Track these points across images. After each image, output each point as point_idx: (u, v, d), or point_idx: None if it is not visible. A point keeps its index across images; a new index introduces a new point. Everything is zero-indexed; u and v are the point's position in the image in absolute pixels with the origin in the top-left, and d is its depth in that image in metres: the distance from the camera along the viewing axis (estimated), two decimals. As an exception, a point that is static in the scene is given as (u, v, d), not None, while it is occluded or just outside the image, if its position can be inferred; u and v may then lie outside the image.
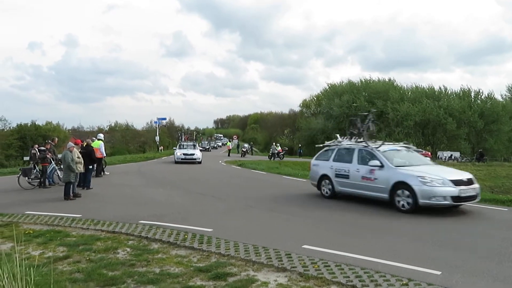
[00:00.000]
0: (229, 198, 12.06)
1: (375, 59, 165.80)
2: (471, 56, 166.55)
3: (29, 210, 9.86)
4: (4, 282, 2.90)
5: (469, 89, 57.99)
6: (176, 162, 28.17)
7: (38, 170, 14.55)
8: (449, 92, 58.65)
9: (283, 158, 39.31)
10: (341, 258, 5.90)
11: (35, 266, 4.86)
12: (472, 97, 57.45)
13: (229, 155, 46.26)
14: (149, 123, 67.72)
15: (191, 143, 34.18)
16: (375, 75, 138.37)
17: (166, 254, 6.35)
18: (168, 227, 7.93)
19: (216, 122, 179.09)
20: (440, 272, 5.26)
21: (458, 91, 58.40)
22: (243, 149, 49.54)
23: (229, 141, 71.51)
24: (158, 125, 55.76)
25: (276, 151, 39.70)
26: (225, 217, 9.18)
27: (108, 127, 68.29)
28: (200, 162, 28.43)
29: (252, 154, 53.10)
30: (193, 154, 28.84)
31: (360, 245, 6.60)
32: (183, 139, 38.45)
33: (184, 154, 28.74)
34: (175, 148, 33.97)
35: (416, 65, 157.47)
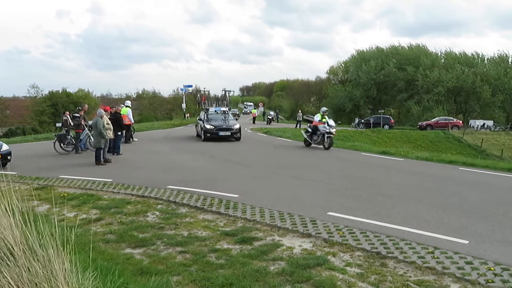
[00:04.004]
0: (255, 165, 12.16)
1: (405, 23, 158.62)
2: (509, 19, 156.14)
3: (63, 174, 10.28)
4: (44, 240, 3.06)
5: (506, 54, 55.12)
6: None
7: (71, 136, 15.05)
8: (484, 58, 55.89)
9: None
10: (366, 225, 5.91)
11: (71, 227, 5.11)
12: (510, 62, 54.61)
13: (254, 122, 46.25)
14: (175, 90, 68.26)
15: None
16: (405, 41, 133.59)
17: (193, 218, 6.53)
18: (195, 192, 8.12)
19: (242, 89, 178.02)
20: (468, 241, 5.21)
21: (494, 56, 55.61)
22: (268, 116, 49.36)
23: (254, 109, 71.25)
24: (185, 93, 56.03)
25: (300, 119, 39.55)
26: (251, 184, 9.30)
27: (135, 94, 69.47)
28: None
29: (277, 122, 52.92)
30: None
31: (386, 213, 6.58)
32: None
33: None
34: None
35: (448, 29, 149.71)
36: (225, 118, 20.56)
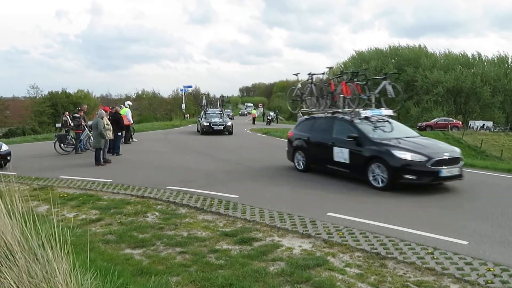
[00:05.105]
0: (255, 166, 12.15)
1: (403, 24, 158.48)
2: (508, 20, 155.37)
3: (62, 174, 10.28)
4: (43, 241, 3.06)
5: (505, 55, 55.22)
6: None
7: (71, 136, 15.08)
8: (483, 59, 55.98)
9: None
10: (366, 226, 5.91)
11: (71, 228, 5.11)
12: (509, 63, 54.70)
13: (254, 123, 46.23)
14: (175, 91, 68.32)
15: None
16: (403, 41, 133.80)
17: (193, 219, 6.53)
18: (195, 193, 8.12)
19: (241, 90, 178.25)
20: (467, 242, 5.21)
21: (493, 57, 55.71)
22: (268, 117, 49.38)
23: (254, 109, 71.26)
24: (184, 93, 56.03)
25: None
26: (251, 184, 9.29)
27: (135, 94, 69.47)
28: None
29: (277, 122, 52.94)
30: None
31: (385, 214, 6.58)
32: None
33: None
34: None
35: (447, 30, 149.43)
36: (388, 129, 9.86)
